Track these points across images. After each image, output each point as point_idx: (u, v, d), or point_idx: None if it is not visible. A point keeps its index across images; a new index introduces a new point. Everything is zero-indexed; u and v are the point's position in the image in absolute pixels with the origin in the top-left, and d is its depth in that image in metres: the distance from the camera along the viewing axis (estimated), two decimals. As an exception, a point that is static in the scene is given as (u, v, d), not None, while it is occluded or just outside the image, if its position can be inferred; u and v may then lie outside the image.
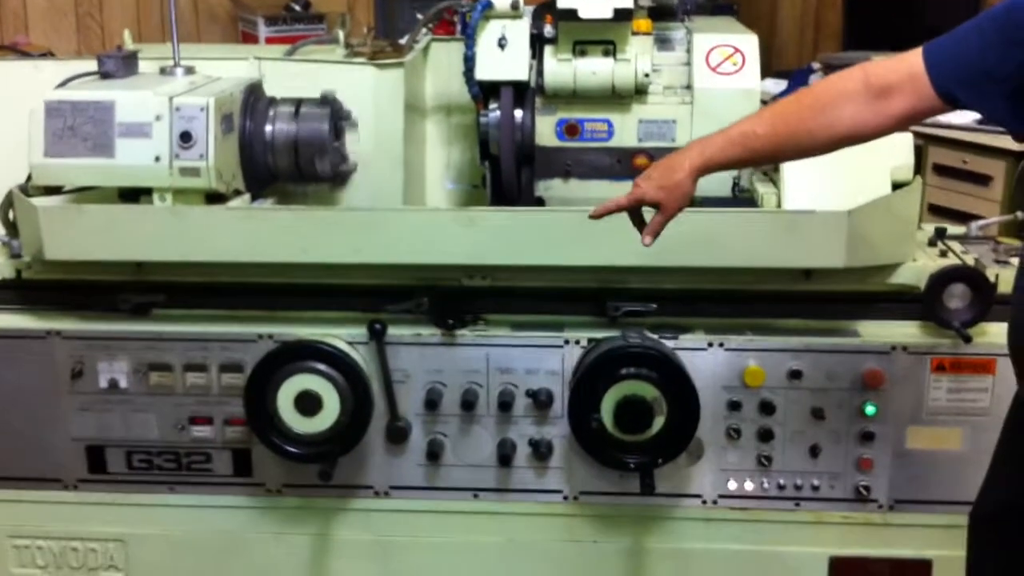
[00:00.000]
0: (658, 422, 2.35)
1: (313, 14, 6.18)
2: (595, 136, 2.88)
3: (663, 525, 2.55)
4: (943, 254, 2.55)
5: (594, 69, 2.79)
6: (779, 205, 2.47)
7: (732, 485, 2.51)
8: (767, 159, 2.19)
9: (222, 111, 2.47)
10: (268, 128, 2.61)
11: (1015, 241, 2.69)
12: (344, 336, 2.47)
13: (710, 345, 2.44)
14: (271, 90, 2.86)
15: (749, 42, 2.82)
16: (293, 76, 2.91)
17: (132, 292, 2.53)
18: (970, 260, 2.50)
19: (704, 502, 2.52)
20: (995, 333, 2.36)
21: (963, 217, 4.76)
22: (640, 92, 2.83)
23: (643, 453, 2.39)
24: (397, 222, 2.41)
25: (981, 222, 2.77)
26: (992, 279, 2.40)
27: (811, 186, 2.44)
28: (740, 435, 2.47)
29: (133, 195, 2.50)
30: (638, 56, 2.79)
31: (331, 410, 2.41)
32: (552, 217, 2.46)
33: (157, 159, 2.41)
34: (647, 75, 2.79)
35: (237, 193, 2.57)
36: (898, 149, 2.46)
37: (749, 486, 2.50)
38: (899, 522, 2.50)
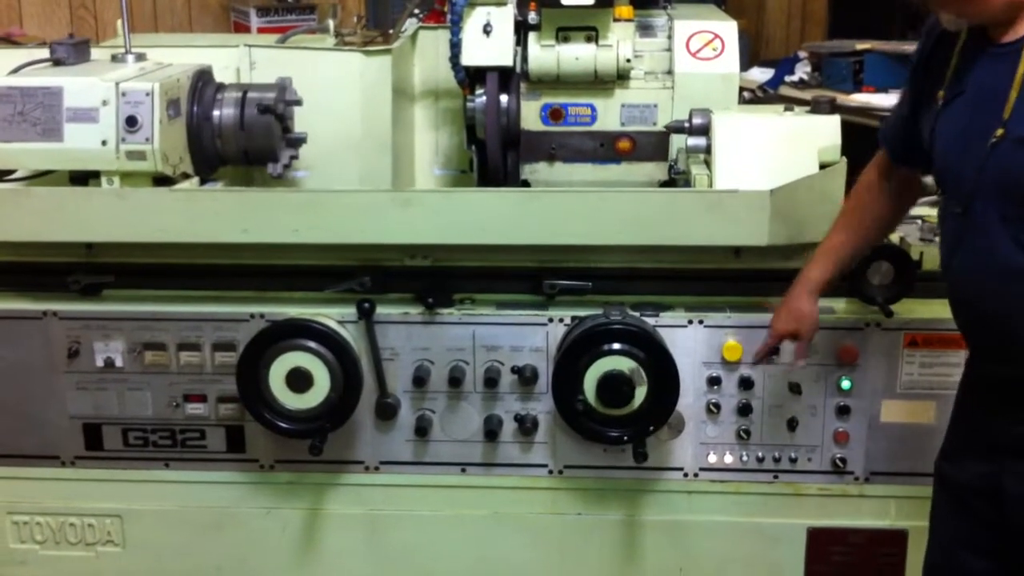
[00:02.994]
0: (639, 396, 2.41)
1: (305, 4, 6.21)
2: (579, 120, 2.95)
3: (646, 498, 2.62)
4: None
5: (577, 55, 2.86)
6: (711, 187, 2.54)
7: (712, 458, 2.57)
8: (856, 258, 2.38)
9: (168, 96, 2.54)
10: (216, 113, 2.68)
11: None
12: (334, 315, 2.53)
13: (690, 322, 2.50)
14: (261, 79, 2.93)
15: (729, 28, 2.89)
16: (282, 64, 2.97)
17: (83, 273, 2.59)
18: (895, 238, 2.56)
19: (685, 475, 2.59)
20: (923, 309, 2.48)
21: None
22: (622, 77, 2.89)
23: (625, 427, 2.45)
24: (336, 203, 2.47)
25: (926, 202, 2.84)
26: (916, 257, 2.49)
27: (742, 167, 2.50)
28: (720, 410, 2.54)
29: (83, 179, 2.57)
30: (620, 42, 2.86)
31: (321, 387, 2.47)
32: (489, 198, 2.52)
33: (104, 143, 2.49)
34: (629, 60, 2.86)
35: (185, 176, 2.64)
36: (825, 131, 2.53)
37: (729, 459, 2.57)
38: (875, 493, 2.58)
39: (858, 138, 4.82)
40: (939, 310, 2.48)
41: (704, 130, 2.60)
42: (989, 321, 1.93)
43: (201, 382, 2.61)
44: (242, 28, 6.07)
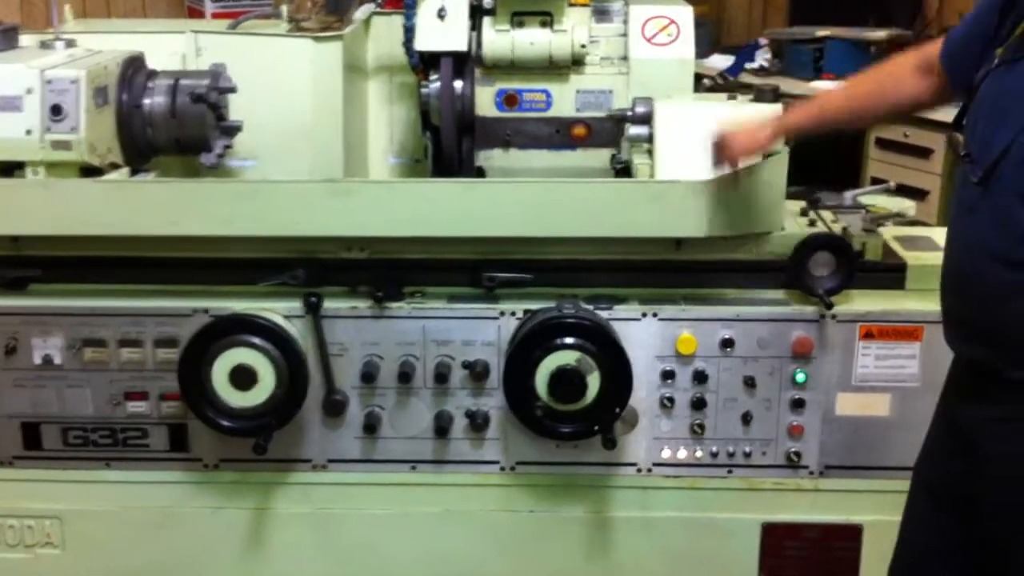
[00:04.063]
0: (592, 391, 2.37)
1: (261, -12, 6.11)
2: (534, 106, 2.90)
3: (599, 494, 2.58)
4: (812, 223, 2.59)
5: (531, 40, 2.81)
6: (652, 176, 2.49)
7: (666, 453, 2.53)
8: (844, 126, 2.32)
9: (95, 84, 2.47)
10: (147, 101, 2.61)
11: (883, 209, 2.73)
12: (280, 309, 2.46)
13: (644, 315, 2.46)
14: (209, 65, 2.85)
15: (684, 14, 2.85)
16: (230, 51, 2.90)
17: (9, 266, 2.51)
18: (838, 229, 2.53)
19: (639, 470, 2.55)
20: (878, 300, 2.45)
21: (905, 190, 4.83)
22: (577, 63, 2.85)
23: (577, 422, 2.41)
24: (271, 194, 2.40)
25: (855, 191, 2.82)
26: (858, 247, 2.46)
27: (684, 157, 2.46)
28: (674, 404, 2.50)
29: (9, 170, 2.49)
30: (575, 27, 2.81)
31: (266, 384, 2.40)
32: (429, 189, 2.48)
33: (28, 132, 2.42)
34: (583, 46, 2.81)
35: (115, 167, 2.56)
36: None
37: (683, 454, 2.53)
38: (829, 488, 2.54)
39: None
40: (894, 301, 2.47)
41: (646, 119, 2.55)
42: (982, 302, 1.86)
43: (143, 379, 2.53)
44: (196, 13, 5.96)
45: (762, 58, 5.66)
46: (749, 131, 2.31)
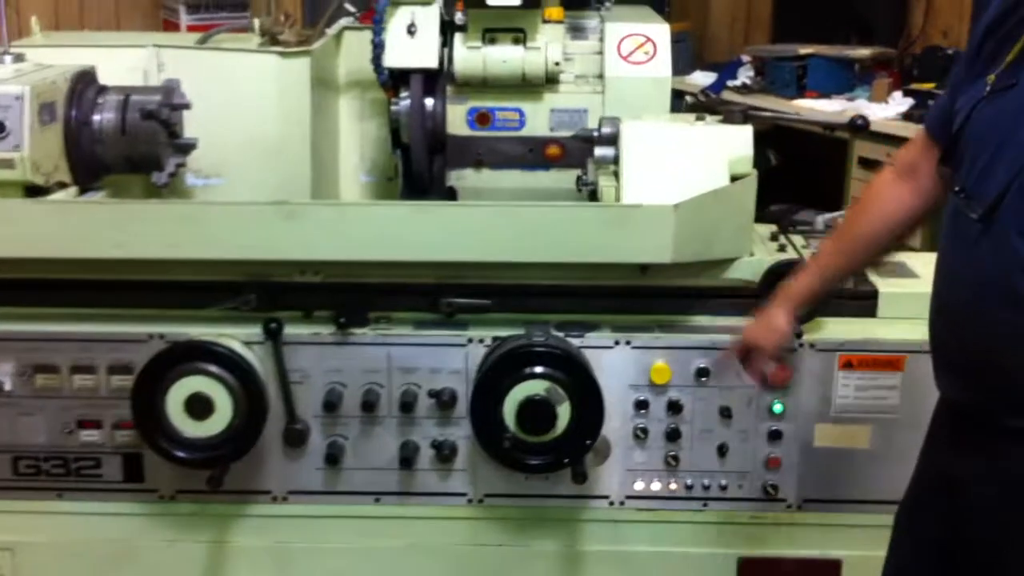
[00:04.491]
0: (562, 422, 2.28)
1: (237, 1, 6.03)
2: (507, 125, 2.83)
3: (570, 527, 2.49)
4: (782, 248, 2.52)
5: (504, 57, 2.73)
6: (618, 199, 2.41)
7: (639, 486, 2.45)
8: (847, 274, 2.21)
9: (41, 100, 2.38)
10: (96, 118, 2.52)
11: None
12: (239, 335, 2.37)
13: (616, 343, 2.38)
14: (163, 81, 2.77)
15: (661, 31, 2.78)
16: (195, 66, 2.82)
17: None
18: (808, 255, 2.46)
19: (611, 503, 2.46)
20: (836, 328, 2.38)
21: (888, 210, 4.78)
22: (551, 81, 2.77)
23: (547, 454, 2.32)
24: (218, 216, 2.32)
25: (827, 216, 2.74)
26: None
27: (650, 179, 2.38)
28: (647, 435, 2.41)
29: None
30: (549, 44, 2.74)
31: (223, 413, 2.31)
32: (382, 211, 2.39)
33: None
34: (558, 64, 2.74)
35: (62, 186, 2.47)
36: (737, 141, 2.41)
37: (656, 486, 2.45)
38: (808, 521, 2.47)
39: (802, 145, 4.78)
40: (870, 329, 2.40)
41: (612, 139, 2.47)
42: (979, 344, 1.75)
43: (96, 407, 2.44)
44: (171, 25, 5.88)
45: (744, 75, 5.60)
46: (766, 327, 2.17)
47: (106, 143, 2.52)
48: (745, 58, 5.76)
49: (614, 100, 2.75)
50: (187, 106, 2.61)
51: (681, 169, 2.38)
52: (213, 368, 2.30)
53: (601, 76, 2.78)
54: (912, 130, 4.63)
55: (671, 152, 2.40)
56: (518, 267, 2.36)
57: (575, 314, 2.43)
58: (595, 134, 2.52)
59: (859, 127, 2.81)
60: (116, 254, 2.29)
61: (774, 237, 2.59)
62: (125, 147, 2.53)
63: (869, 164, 4.88)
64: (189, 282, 2.42)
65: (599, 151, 2.50)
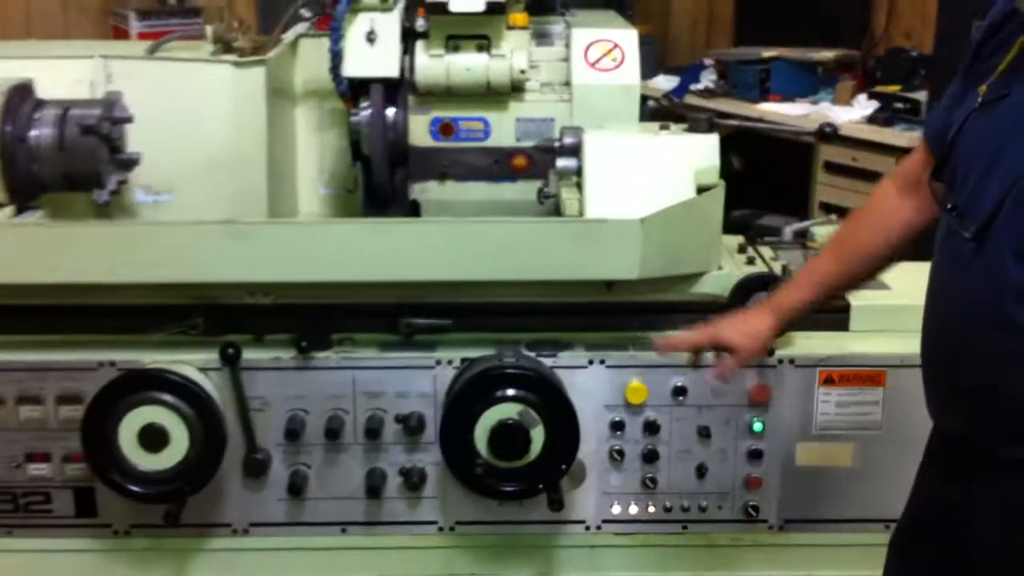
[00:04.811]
0: (536, 447, 2.19)
1: (189, 7, 5.89)
2: (471, 135, 2.72)
3: (545, 554, 2.41)
4: (751, 261, 2.45)
5: (468, 65, 2.63)
6: (582, 212, 2.33)
7: (616, 509, 2.37)
8: (842, 289, 2.14)
9: None
10: (33, 133, 2.38)
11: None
12: (195, 361, 2.26)
13: (590, 362, 2.29)
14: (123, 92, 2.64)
15: (628, 37, 2.68)
16: (144, 77, 2.69)
17: None
18: (778, 268, 2.39)
19: (587, 528, 2.38)
20: (837, 344, 2.32)
21: (855, 214, 4.74)
22: (517, 89, 2.67)
23: (520, 480, 2.23)
24: (162, 237, 2.21)
25: (796, 225, 2.68)
26: None
27: (614, 192, 2.30)
28: (623, 456, 2.33)
29: None
30: (514, 52, 2.63)
31: (179, 445, 2.20)
32: (335, 229, 2.31)
33: None
34: (523, 71, 2.63)
35: None
36: (703, 151, 2.33)
37: (634, 510, 2.37)
38: (790, 542, 2.39)
39: (766, 148, 4.73)
40: (854, 344, 2.33)
41: (575, 150, 2.38)
42: (973, 369, 1.66)
43: (44, 439, 2.31)
44: (121, 33, 5.73)
45: (708, 79, 5.54)
46: (751, 332, 2.06)
47: (43, 160, 2.37)
48: (708, 61, 5.70)
49: (582, 108, 2.65)
50: (129, 119, 2.48)
51: (646, 181, 2.30)
52: (167, 397, 2.19)
53: (568, 84, 2.69)
54: (878, 133, 4.63)
55: (636, 163, 2.32)
56: (481, 285, 2.27)
57: (544, 332, 2.35)
58: (556, 144, 2.43)
59: (827, 135, 2.75)
60: (53, 279, 2.18)
61: (742, 249, 2.52)
62: (63, 164, 2.38)
63: (835, 168, 4.85)
64: (139, 306, 2.31)
65: (561, 162, 2.41)
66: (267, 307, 2.31)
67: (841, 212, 4.75)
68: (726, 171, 2.37)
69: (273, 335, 2.32)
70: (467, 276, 2.23)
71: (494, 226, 2.25)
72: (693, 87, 5.53)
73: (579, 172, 2.37)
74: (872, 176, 4.65)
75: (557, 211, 2.47)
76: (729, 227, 2.56)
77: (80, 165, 2.38)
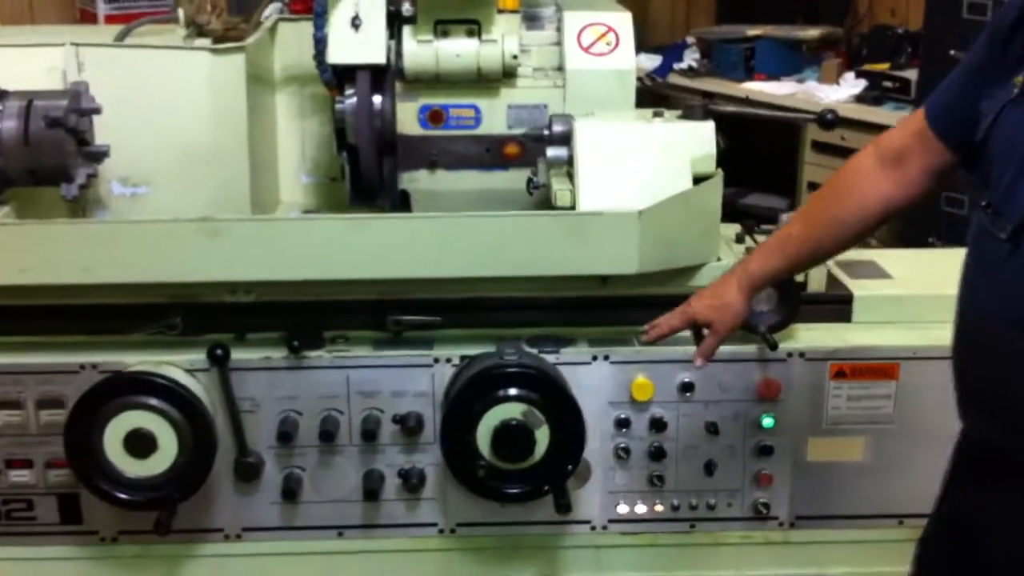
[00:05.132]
0: (540, 448, 2.12)
1: (159, -12, 5.73)
2: (462, 123, 2.63)
3: (549, 555, 2.34)
4: (749, 252, 2.33)
5: (458, 51, 2.53)
6: (574, 203, 2.25)
7: (622, 508, 2.30)
8: (810, 259, 2.04)
9: None
10: None
11: None
12: (182, 363, 2.17)
13: (594, 358, 2.22)
14: (94, 81, 2.52)
15: (623, 20, 2.59)
16: (117, 64, 2.58)
17: None
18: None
19: (593, 528, 2.31)
20: (849, 336, 2.25)
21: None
22: (508, 75, 2.58)
23: (525, 482, 2.15)
24: (133, 236, 2.12)
25: (792, 213, 2.61)
26: (801, 278, 2.23)
27: (608, 182, 2.22)
28: (629, 454, 2.26)
29: None
30: (505, 36, 2.54)
31: (167, 450, 2.11)
32: (315, 226, 2.20)
33: None
34: (515, 57, 2.54)
35: None
36: (700, 138, 2.24)
37: (641, 509, 2.30)
38: (801, 539, 2.34)
39: (752, 127, 4.66)
40: (866, 337, 2.26)
41: (565, 139, 2.29)
42: (1008, 375, 1.57)
43: (25, 445, 2.22)
44: (88, 16, 5.56)
45: (690, 58, 5.46)
46: (719, 304, 2.03)
47: (7, 155, 2.25)
48: (690, 40, 5.62)
49: (575, 95, 2.56)
50: (97, 111, 2.36)
51: (640, 170, 2.22)
52: (154, 401, 2.10)
53: (560, 69, 2.60)
54: (867, 112, 4.57)
55: (629, 152, 2.23)
56: (472, 281, 2.19)
57: (542, 326, 2.27)
58: (546, 133, 2.34)
59: (830, 122, 2.65)
60: (21, 280, 2.07)
61: (739, 239, 2.42)
62: (29, 159, 2.27)
63: (823, 148, 4.78)
64: (117, 305, 2.21)
65: (551, 151, 2.32)
66: (249, 305, 2.21)
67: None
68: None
69: (257, 333, 2.23)
70: (456, 273, 2.14)
71: (485, 220, 2.16)
72: (676, 66, 5.45)
73: (570, 162, 2.28)
74: (860, 156, 4.60)
75: (547, 201, 2.38)
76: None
77: (46, 159, 2.26)
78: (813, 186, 4.79)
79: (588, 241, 2.12)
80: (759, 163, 4.70)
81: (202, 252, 2.09)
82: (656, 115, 2.36)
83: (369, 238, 2.13)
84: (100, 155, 2.40)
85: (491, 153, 2.63)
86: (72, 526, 2.27)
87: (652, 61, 5.59)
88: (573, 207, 2.23)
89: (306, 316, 2.23)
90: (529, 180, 2.50)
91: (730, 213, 2.52)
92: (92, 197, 2.53)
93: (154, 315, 2.21)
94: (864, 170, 1.88)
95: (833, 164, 4.67)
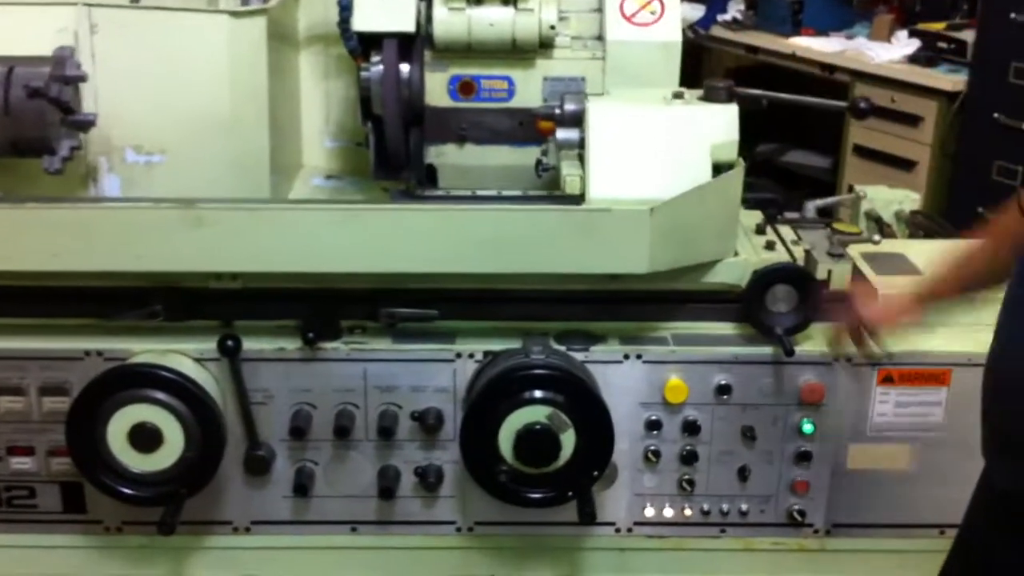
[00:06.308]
0: (565, 452, 2.00)
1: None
2: (493, 96, 2.49)
3: (571, 557, 2.25)
4: (770, 246, 2.20)
5: (491, 19, 2.37)
6: (584, 191, 2.10)
7: (650, 511, 2.20)
8: (984, 280, 1.87)
9: None
10: None
11: (853, 228, 2.37)
12: (191, 351, 2.07)
13: (626, 357, 2.10)
14: (107, 45, 2.40)
15: (669, -14, 2.42)
16: (132, 26, 2.44)
17: None
18: (800, 252, 2.18)
19: (618, 530, 2.22)
20: (898, 340, 2.07)
21: (891, 160, 4.49)
22: (545, 46, 2.42)
23: (548, 487, 2.05)
24: (107, 222, 1.98)
25: (818, 202, 2.45)
26: (823, 276, 2.10)
27: (621, 170, 2.06)
28: (659, 457, 2.15)
29: None
30: (542, 4, 2.38)
31: (174, 445, 2.02)
32: (305, 216, 2.03)
33: None
34: (553, 27, 2.38)
35: None
36: (720, 124, 2.07)
37: (669, 512, 2.20)
38: (837, 547, 2.23)
39: (795, 82, 4.46)
40: (918, 341, 2.12)
41: (577, 119, 2.14)
42: None
43: (27, 432, 2.15)
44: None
45: (735, 9, 5.24)
46: (896, 309, 1.95)
47: None
48: (736, -13, 5.39)
49: (615, 67, 2.40)
50: (83, 78, 2.23)
51: (657, 158, 2.06)
52: (159, 395, 2.00)
53: (600, 39, 2.44)
54: (920, 75, 4.35)
55: (645, 137, 2.06)
56: (465, 277, 2.06)
57: (581, 322, 2.15)
58: (556, 112, 2.19)
59: (863, 112, 2.46)
60: None
61: (760, 230, 2.28)
62: (9, 129, 2.14)
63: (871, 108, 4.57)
64: (110, 288, 2.10)
65: (561, 133, 2.17)
66: (234, 292, 2.10)
67: (878, 156, 4.53)
68: (753, 108, 2.13)
69: (243, 321, 2.13)
70: (455, 268, 2.01)
71: (487, 214, 2.01)
72: (720, 18, 5.24)
73: (582, 144, 2.13)
74: (911, 119, 4.39)
75: (557, 184, 2.24)
76: (753, 165, 2.31)
77: (28, 131, 2.14)
78: (859, 149, 4.59)
79: (596, 239, 1.98)
80: (803, 120, 4.51)
81: (184, 242, 1.96)
82: (676, 96, 2.19)
83: (363, 230, 1.99)
84: (86, 124, 2.27)
85: (524, 127, 2.48)
86: (75, 515, 2.21)
87: (695, 11, 5.36)
88: (583, 195, 2.08)
89: (295, 304, 2.12)
90: (538, 161, 2.34)
91: (770, 170, 2.35)
92: (106, 165, 2.42)
93: (137, 300, 2.10)
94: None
95: (881, 127, 4.48)
